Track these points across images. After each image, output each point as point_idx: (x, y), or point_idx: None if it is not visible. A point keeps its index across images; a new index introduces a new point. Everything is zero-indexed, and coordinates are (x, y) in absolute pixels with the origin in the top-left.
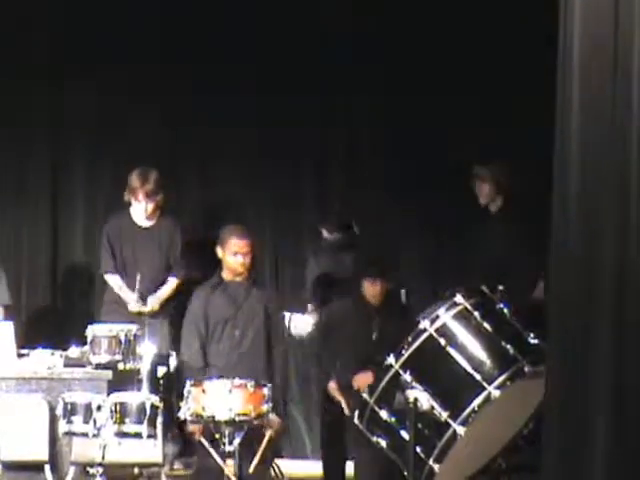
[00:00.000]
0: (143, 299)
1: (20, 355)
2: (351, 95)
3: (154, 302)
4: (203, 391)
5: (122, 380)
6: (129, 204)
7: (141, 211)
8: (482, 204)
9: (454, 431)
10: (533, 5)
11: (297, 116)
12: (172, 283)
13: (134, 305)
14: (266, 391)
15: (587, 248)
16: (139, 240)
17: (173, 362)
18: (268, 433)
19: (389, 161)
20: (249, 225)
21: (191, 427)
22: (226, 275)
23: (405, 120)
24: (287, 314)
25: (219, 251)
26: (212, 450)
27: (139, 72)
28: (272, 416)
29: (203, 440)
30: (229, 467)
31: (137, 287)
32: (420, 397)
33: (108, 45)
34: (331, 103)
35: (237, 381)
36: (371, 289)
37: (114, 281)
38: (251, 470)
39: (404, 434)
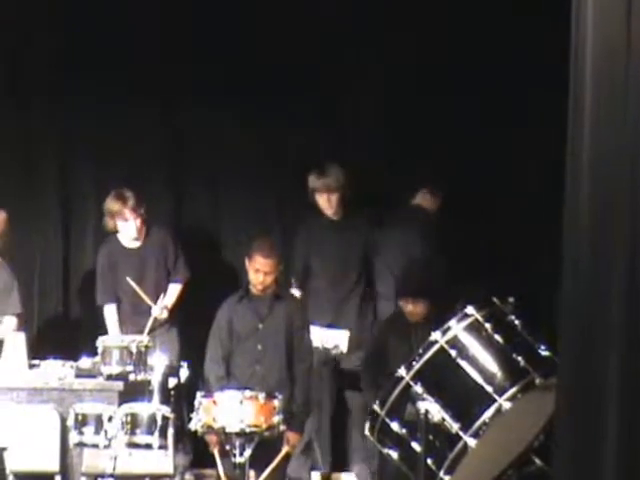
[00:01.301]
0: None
1: (31, 366)
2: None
3: (159, 310)
4: (214, 402)
5: (133, 391)
6: (114, 231)
7: (131, 229)
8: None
9: (465, 443)
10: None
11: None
12: (174, 289)
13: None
14: (277, 403)
15: (598, 262)
16: (134, 262)
17: (184, 373)
18: (285, 449)
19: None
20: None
21: (207, 438)
22: (252, 288)
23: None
24: (317, 328)
25: (246, 262)
26: (219, 462)
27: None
28: (290, 433)
29: (215, 452)
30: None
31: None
32: (431, 409)
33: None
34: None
35: (248, 393)
36: (406, 308)
37: (110, 314)
38: None
39: (415, 446)
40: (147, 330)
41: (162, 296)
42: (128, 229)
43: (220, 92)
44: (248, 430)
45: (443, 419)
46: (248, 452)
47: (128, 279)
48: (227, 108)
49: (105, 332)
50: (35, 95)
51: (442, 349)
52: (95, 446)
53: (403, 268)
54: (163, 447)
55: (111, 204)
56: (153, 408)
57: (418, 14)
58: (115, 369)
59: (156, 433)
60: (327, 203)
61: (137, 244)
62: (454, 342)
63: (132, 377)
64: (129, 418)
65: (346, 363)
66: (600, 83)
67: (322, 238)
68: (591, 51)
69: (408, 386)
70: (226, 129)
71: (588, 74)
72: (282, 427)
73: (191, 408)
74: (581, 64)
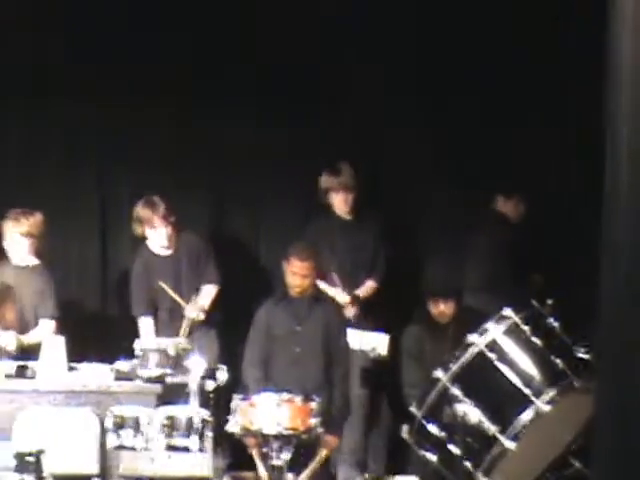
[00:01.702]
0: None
1: (70, 368)
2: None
3: (194, 310)
4: (251, 405)
5: (171, 394)
6: (143, 238)
7: (162, 237)
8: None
9: (503, 445)
10: None
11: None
12: (207, 290)
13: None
14: (314, 405)
15: (636, 262)
16: (169, 269)
17: (222, 376)
18: (324, 452)
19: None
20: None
21: (246, 440)
22: (290, 290)
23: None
24: (354, 331)
25: (284, 265)
26: (259, 463)
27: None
28: (328, 435)
29: (255, 453)
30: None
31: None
32: (469, 411)
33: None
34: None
35: (285, 395)
36: (437, 308)
37: (145, 326)
38: None
39: (453, 448)
40: (182, 332)
41: (194, 297)
42: (157, 237)
43: (252, 103)
44: (285, 433)
45: (481, 421)
46: (286, 455)
47: (161, 283)
48: (260, 116)
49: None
50: (70, 97)
51: (480, 352)
52: (133, 449)
53: (432, 269)
54: (201, 450)
55: (141, 211)
56: (191, 411)
57: (417, 15)
58: (153, 372)
59: (194, 436)
60: (343, 202)
61: (169, 252)
62: (492, 345)
63: (170, 380)
64: (167, 421)
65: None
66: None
67: (333, 238)
68: (630, 53)
69: (446, 388)
70: (259, 137)
71: (626, 78)
72: (319, 430)
73: (229, 411)
74: (618, 68)
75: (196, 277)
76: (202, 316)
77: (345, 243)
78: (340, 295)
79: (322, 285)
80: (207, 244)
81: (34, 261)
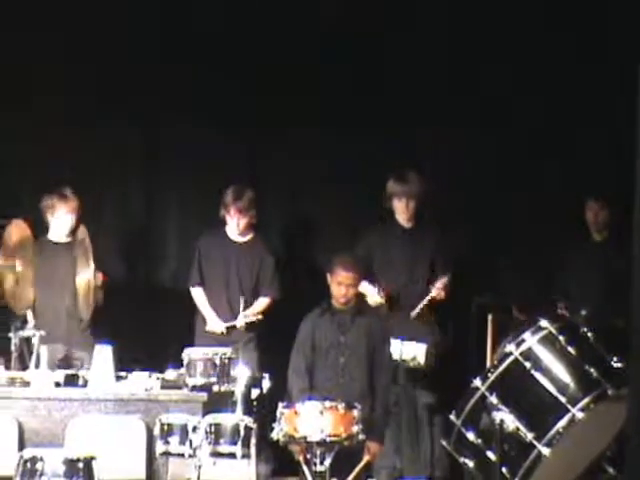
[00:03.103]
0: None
1: (118, 377)
2: None
3: (242, 320)
4: (295, 413)
5: (217, 402)
6: (224, 222)
7: (233, 227)
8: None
9: (539, 452)
10: None
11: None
12: (263, 303)
13: (212, 325)
14: (356, 413)
15: None
16: (230, 255)
17: (266, 384)
18: (366, 458)
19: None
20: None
21: (291, 447)
22: (334, 302)
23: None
24: (395, 341)
25: (328, 277)
26: (306, 469)
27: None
28: (371, 442)
29: (301, 459)
30: None
31: (241, 311)
32: (506, 419)
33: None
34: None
35: (328, 403)
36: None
37: (198, 295)
38: None
39: (490, 455)
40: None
41: (242, 303)
42: (231, 225)
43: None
44: (328, 440)
45: (518, 428)
46: (328, 461)
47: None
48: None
49: (191, 344)
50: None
51: (516, 360)
52: (180, 455)
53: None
54: (246, 456)
55: (226, 196)
56: (236, 418)
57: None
58: (199, 380)
59: (239, 443)
60: (405, 209)
61: (241, 239)
62: (528, 353)
63: (216, 388)
64: (213, 428)
65: None
66: None
67: (391, 244)
68: None
69: (483, 397)
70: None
71: None
72: (361, 436)
73: (273, 418)
74: None
75: (249, 279)
76: (244, 324)
77: (401, 250)
78: (374, 296)
79: (363, 284)
80: (274, 257)
81: (68, 238)
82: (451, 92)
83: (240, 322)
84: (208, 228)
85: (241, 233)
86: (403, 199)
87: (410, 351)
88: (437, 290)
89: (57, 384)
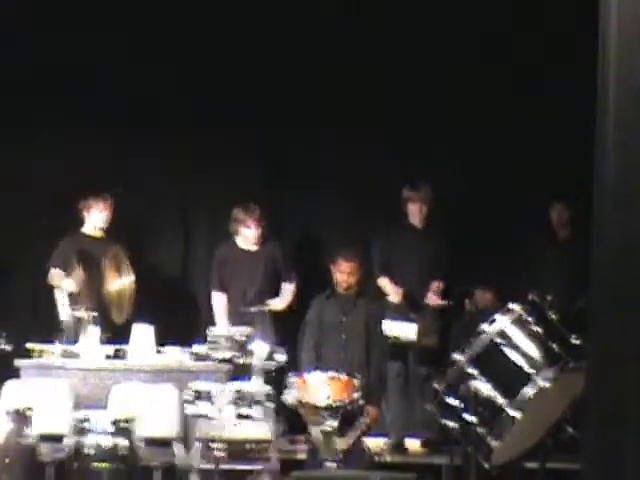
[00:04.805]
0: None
1: (156, 351)
2: None
3: (276, 302)
4: (304, 382)
5: (239, 372)
6: (235, 235)
7: (252, 236)
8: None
9: (510, 415)
10: None
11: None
12: (288, 289)
13: (220, 330)
14: (356, 382)
15: (624, 258)
16: (245, 262)
17: (281, 357)
18: (366, 420)
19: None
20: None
21: (301, 410)
22: (337, 288)
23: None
24: (388, 321)
25: (332, 266)
26: (312, 429)
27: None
28: (370, 407)
29: (308, 421)
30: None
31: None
32: (481, 387)
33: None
34: None
35: (331, 373)
36: (484, 296)
37: (217, 300)
38: (346, 445)
39: (468, 417)
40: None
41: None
42: (248, 235)
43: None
44: (334, 405)
45: (492, 395)
46: (334, 423)
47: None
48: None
49: (213, 324)
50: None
51: (489, 338)
52: (207, 417)
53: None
54: (263, 417)
55: (238, 213)
56: (255, 386)
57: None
58: (223, 354)
59: (258, 406)
60: (418, 212)
61: (253, 248)
62: (501, 332)
63: (237, 360)
64: (236, 394)
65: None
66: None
67: (404, 242)
68: (615, 49)
69: (463, 368)
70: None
71: (612, 72)
72: (361, 402)
73: (285, 386)
74: (607, 63)
75: (269, 278)
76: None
77: (413, 247)
78: (394, 294)
79: (383, 281)
80: (286, 252)
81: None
82: None
83: (274, 304)
84: (222, 242)
85: (257, 242)
86: (417, 203)
87: (401, 329)
88: (432, 300)
89: (108, 357)
